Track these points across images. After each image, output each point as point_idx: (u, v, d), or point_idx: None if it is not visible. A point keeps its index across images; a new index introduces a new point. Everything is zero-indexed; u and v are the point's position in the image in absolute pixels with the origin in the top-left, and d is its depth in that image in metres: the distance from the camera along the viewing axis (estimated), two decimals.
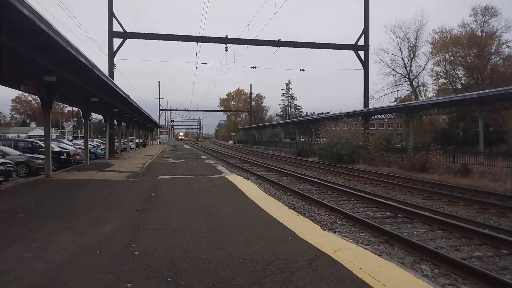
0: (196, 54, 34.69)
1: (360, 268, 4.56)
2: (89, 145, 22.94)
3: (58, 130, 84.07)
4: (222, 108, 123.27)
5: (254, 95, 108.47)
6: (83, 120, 24.02)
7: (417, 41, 52.57)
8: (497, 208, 10.60)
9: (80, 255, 4.97)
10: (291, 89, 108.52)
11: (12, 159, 14.23)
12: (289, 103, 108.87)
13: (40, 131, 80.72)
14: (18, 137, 52.68)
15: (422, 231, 8.16)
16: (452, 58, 47.89)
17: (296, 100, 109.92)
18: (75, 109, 79.57)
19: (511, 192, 13.41)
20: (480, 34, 46.03)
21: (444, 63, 49.10)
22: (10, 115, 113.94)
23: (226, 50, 31.39)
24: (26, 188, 11.43)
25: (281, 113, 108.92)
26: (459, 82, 48.24)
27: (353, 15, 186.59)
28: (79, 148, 23.39)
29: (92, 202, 9.06)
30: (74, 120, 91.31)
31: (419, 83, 54.06)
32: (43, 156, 15.13)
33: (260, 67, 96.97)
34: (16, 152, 17.05)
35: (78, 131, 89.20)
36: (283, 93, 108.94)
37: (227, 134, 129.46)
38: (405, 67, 53.53)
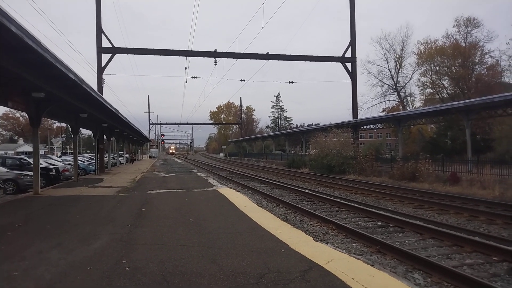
0: (186, 68, 35.05)
1: (353, 279, 4.57)
2: (79, 161, 22.73)
3: (47, 146, 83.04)
4: (212, 121, 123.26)
5: (244, 108, 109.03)
6: (72, 136, 23.80)
7: (403, 52, 53.61)
8: (486, 216, 10.72)
9: (70, 272, 4.90)
10: (281, 101, 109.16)
11: (0, 177, 14.02)
12: (279, 115, 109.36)
13: (28, 148, 79.68)
14: (6, 154, 51.88)
15: (413, 240, 8.21)
16: (437, 68, 48.78)
17: (286, 112, 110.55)
18: (63, 124, 79.07)
19: (500, 199, 13.59)
20: (464, 45, 47.04)
21: (430, 73, 49.98)
22: None
23: (216, 64, 31.51)
24: (14, 205, 11.25)
25: (272, 125, 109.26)
26: (446, 91, 49.06)
27: (339, 30, 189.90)
28: (68, 164, 23.15)
29: (82, 218, 8.95)
30: (63, 136, 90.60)
31: (406, 93, 54.93)
32: (31, 173, 14.93)
33: (250, 80, 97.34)
34: (4, 169, 16.80)
35: (67, 146, 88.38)
36: (273, 105, 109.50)
37: (218, 147, 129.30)
38: (392, 78, 54.41)
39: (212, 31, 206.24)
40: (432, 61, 48.83)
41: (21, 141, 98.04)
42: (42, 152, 52.06)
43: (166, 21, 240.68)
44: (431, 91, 51.32)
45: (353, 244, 7.85)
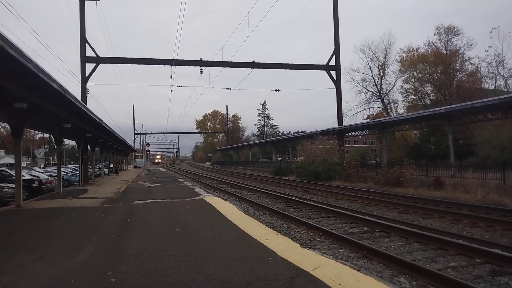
0: (171, 77, 34.76)
1: (340, 284, 4.60)
2: (62, 172, 22.35)
3: (29, 158, 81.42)
4: (198, 130, 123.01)
5: (230, 116, 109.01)
6: (56, 147, 23.43)
7: (386, 60, 54.60)
8: (469, 219, 10.92)
9: (54, 285, 4.82)
10: (267, 109, 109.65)
11: None
12: (266, 123, 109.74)
13: (9, 160, 77.93)
14: None
15: (399, 244, 8.30)
16: (420, 75, 49.78)
17: (272, 119, 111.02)
18: (46, 135, 77.74)
19: (482, 203, 13.86)
20: (445, 52, 48.17)
21: (413, 80, 50.98)
22: None
23: (201, 73, 31.49)
24: None
25: (258, 133, 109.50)
26: (428, 98, 50.03)
27: (323, 40, 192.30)
28: (52, 176, 22.73)
29: (66, 230, 8.80)
30: (46, 147, 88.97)
31: (390, 100, 55.87)
32: (13, 185, 14.60)
33: (236, 88, 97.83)
34: None
35: (50, 158, 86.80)
36: (259, 113, 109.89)
37: (204, 156, 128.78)
38: (376, 85, 55.30)
39: (197, 41, 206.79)
40: (415, 68, 49.85)
41: (2, 152, 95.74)
42: (24, 164, 51.08)
43: (152, 32, 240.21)
44: (414, 97, 52.31)
45: (340, 250, 7.89)
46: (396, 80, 53.93)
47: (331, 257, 6.41)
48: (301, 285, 4.59)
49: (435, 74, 48.13)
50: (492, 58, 44.30)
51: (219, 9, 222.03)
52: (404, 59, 51.80)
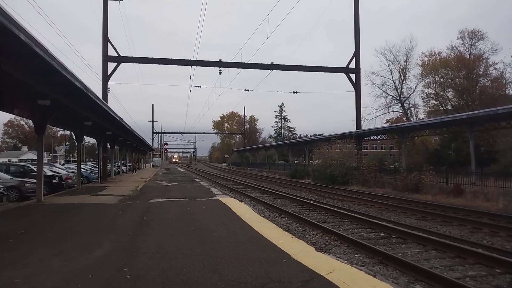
0: (190, 78, 35.30)
1: None
2: (82, 169, 22.79)
3: (50, 154, 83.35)
4: (215, 131, 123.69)
5: (247, 118, 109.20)
6: (76, 144, 23.95)
7: (407, 63, 53.72)
8: (490, 228, 10.66)
9: (72, 279, 4.91)
10: (284, 111, 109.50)
11: (3, 184, 14.09)
12: (283, 125, 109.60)
13: (31, 155, 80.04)
14: (9, 161, 52.12)
15: (416, 251, 8.16)
16: (442, 80, 48.85)
17: (290, 122, 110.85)
18: (67, 132, 79.47)
19: (504, 212, 13.51)
20: (468, 57, 47.15)
21: (434, 85, 50.06)
22: (2, 139, 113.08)
23: (220, 74, 31.67)
24: (17, 212, 11.28)
25: (275, 135, 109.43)
26: (450, 103, 49.05)
27: (343, 43, 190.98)
28: (71, 172, 23.23)
29: (84, 226, 8.97)
30: (66, 144, 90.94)
31: (410, 105, 54.93)
32: (34, 180, 14.98)
33: (253, 90, 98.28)
34: (7, 177, 16.88)
35: (71, 155, 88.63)
36: (276, 115, 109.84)
37: (220, 157, 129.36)
38: (396, 89, 54.48)
39: (217, 43, 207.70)
40: (436, 73, 48.94)
41: (25, 148, 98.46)
42: (45, 160, 52.27)
43: (174, 33, 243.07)
44: (435, 102, 51.35)
45: (355, 255, 7.81)
46: (417, 85, 53.03)
47: (346, 261, 6.35)
48: None
49: (457, 79, 47.16)
50: None
51: (239, 12, 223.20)
52: (426, 63, 50.96)
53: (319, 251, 6.84)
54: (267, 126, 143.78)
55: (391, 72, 54.48)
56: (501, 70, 45.73)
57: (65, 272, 5.22)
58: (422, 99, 52.96)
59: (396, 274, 6.54)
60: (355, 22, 32.47)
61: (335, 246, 8.57)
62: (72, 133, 25.24)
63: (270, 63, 31.10)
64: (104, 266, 5.49)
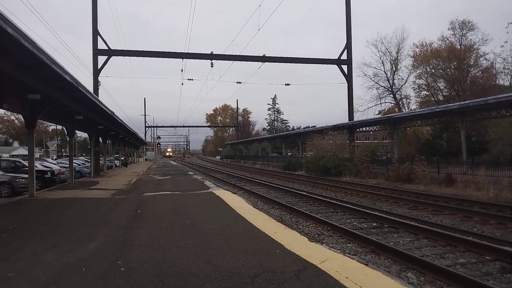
0: (182, 71, 35.03)
1: (347, 278, 4.61)
2: (74, 164, 22.65)
3: (42, 150, 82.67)
4: (208, 124, 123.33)
5: (240, 110, 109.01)
6: (68, 138, 23.75)
7: (399, 54, 53.78)
8: (480, 216, 10.81)
9: (65, 273, 4.91)
10: (277, 103, 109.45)
11: None
12: (276, 118, 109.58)
13: (23, 151, 79.22)
14: (1, 156, 51.56)
15: (408, 240, 8.26)
16: (433, 70, 49.00)
17: (283, 114, 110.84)
18: (59, 127, 78.80)
19: (494, 200, 13.69)
20: (459, 47, 47.30)
21: (426, 75, 50.19)
22: None
23: (212, 66, 31.50)
24: (9, 208, 11.21)
25: (268, 127, 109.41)
26: (441, 94, 49.29)
27: (335, 37, 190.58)
28: (64, 167, 23.07)
29: (78, 220, 8.94)
30: (58, 138, 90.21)
31: (402, 96, 55.09)
32: (26, 176, 14.87)
33: (246, 82, 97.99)
34: None
35: (63, 149, 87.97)
36: (269, 108, 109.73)
37: (214, 150, 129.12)
38: (388, 80, 54.59)
39: (208, 36, 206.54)
40: (428, 64, 49.07)
41: (16, 144, 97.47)
42: (37, 155, 51.81)
43: (169, 30, 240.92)
44: (427, 93, 51.55)
45: (348, 245, 7.89)
46: (408, 75, 53.17)
47: (338, 251, 6.42)
48: (308, 278, 4.61)
49: (448, 70, 47.33)
50: (508, 54, 43.15)
51: (231, 8, 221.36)
52: (417, 54, 51.03)
53: (312, 241, 6.90)
54: (260, 119, 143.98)
55: (382, 63, 54.58)
56: (491, 61, 45.98)
57: (58, 266, 5.21)
58: (414, 90, 53.15)
59: (388, 262, 6.62)
60: (346, 12, 32.46)
61: (328, 236, 8.65)
62: (64, 127, 25.07)
63: (262, 55, 31.03)
64: (97, 259, 5.50)
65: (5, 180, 15.52)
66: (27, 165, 15.00)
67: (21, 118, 15.06)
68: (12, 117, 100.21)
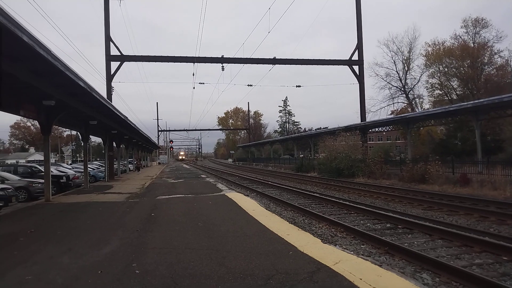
0: (193, 75, 35.55)
1: (361, 279, 4.58)
2: (89, 168, 22.98)
3: (57, 155, 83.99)
4: (220, 127, 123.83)
5: (252, 113, 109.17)
6: (82, 143, 24.11)
7: (411, 54, 53.19)
8: (497, 216, 10.63)
9: (81, 275, 4.99)
10: (288, 105, 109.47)
11: (12, 184, 14.24)
12: (287, 120, 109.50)
13: (39, 156, 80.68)
14: (17, 162, 52.61)
15: (422, 241, 8.17)
16: (446, 69, 48.41)
17: (294, 116, 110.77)
18: (74, 133, 79.97)
19: (511, 200, 13.44)
20: (472, 45, 46.64)
21: (439, 74, 49.62)
22: (9, 141, 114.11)
23: (223, 70, 31.72)
24: (26, 212, 11.42)
25: (280, 129, 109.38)
26: (455, 93, 48.65)
27: (346, 40, 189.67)
28: (79, 172, 23.41)
29: (93, 224, 9.07)
30: (73, 144, 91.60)
31: (415, 95, 54.45)
32: (42, 181, 15.13)
33: (257, 85, 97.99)
34: (16, 177, 17.07)
35: (77, 154, 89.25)
36: (280, 110, 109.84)
37: (226, 153, 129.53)
38: (400, 80, 54.02)
39: (219, 41, 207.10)
40: (441, 63, 48.49)
41: (32, 149, 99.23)
42: (52, 160, 52.67)
43: (181, 35, 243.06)
44: (440, 92, 50.94)
45: (362, 246, 7.84)
46: (421, 75, 52.53)
47: (352, 252, 6.39)
48: (321, 279, 4.60)
49: (462, 68, 46.70)
50: None
51: (242, 12, 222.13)
52: (430, 53, 50.46)
53: (325, 243, 6.88)
54: (271, 121, 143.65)
55: (394, 63, 54.04)
56: (506, 58, 45.27)
57: (74, 269, 5.30)
58: (427, 89, 52.55)
59: (403, 263, 6.56)
60: (356, 12, 32.33)
61: (341, 238, 8.60)
62: (78, 133, 25.44)
63: (272, 57, 31.05)
64: (112, 262, 5.57)
65: (22, 185, 15.80)
66: (43, 170, 15.28)
67: (37, 124, 15.35)
68: (28, 123, 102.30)
